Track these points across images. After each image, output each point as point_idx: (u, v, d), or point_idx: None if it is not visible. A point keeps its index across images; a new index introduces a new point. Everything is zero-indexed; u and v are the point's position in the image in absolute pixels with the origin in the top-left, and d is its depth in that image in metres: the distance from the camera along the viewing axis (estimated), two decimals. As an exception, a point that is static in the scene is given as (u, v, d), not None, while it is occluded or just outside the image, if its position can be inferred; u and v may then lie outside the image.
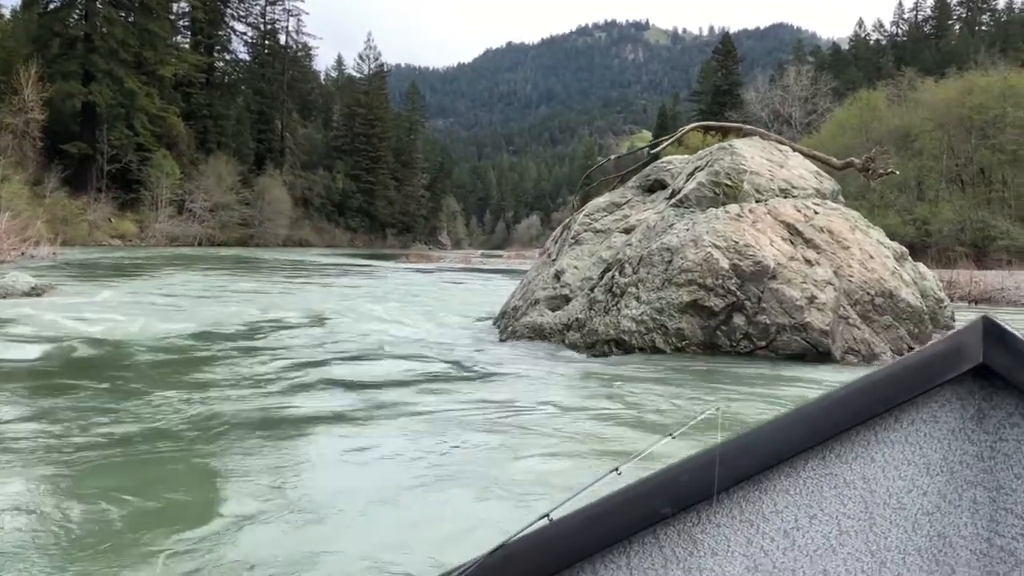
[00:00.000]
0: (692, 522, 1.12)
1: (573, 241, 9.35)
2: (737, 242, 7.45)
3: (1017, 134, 38.93)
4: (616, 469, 1.19)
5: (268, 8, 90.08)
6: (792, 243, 7.66)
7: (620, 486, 1.12)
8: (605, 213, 9.62)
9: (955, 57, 67.10)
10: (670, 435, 1.37)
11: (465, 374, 7.22)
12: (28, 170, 47.94)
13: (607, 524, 1.11)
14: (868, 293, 7.26)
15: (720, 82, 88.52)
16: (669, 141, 11.03)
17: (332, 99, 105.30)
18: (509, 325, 9.36)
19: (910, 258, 8.12)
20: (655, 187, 9.99)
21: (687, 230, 7.82)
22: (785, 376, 6.58)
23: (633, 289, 7.68)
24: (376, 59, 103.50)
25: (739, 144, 8.96)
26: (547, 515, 1.13)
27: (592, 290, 8.24)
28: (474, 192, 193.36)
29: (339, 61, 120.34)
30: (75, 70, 57.02)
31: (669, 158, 10.27)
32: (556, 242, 10.38)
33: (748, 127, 11.50)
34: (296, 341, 9.42)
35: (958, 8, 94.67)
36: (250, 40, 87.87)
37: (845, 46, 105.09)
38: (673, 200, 8.74)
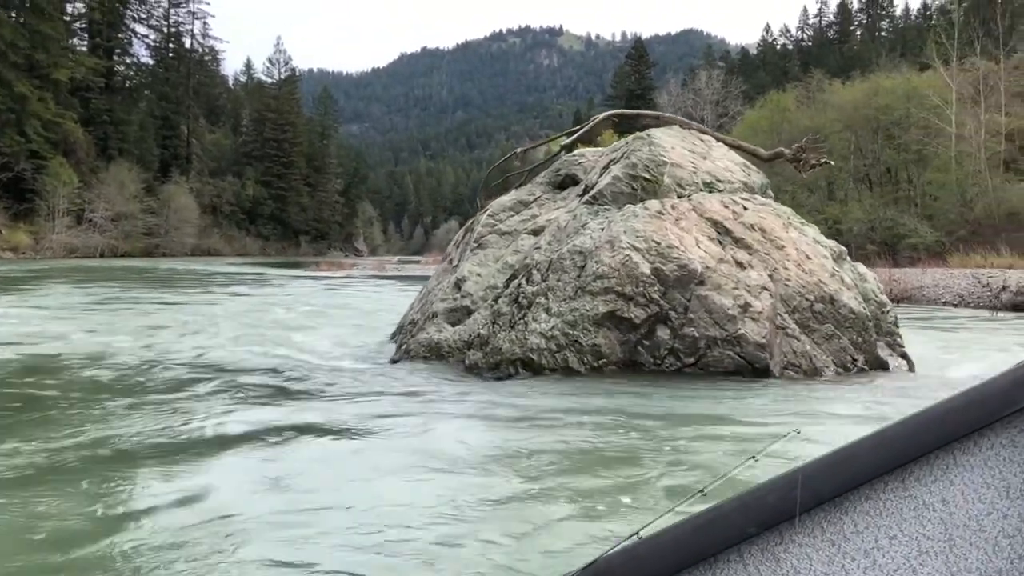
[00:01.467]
0: (775, 541, 1.14)
1: (476, 245, 8.36)
2: (659, 243, 6.62)
3: (921, 134, 40.10)
4: (702, 490, 1.27)
5: (172, 10, 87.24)
6: (721, 243, 6.86)
7: (705, 506, 1.17)
8: (511, 213, 8.70)
9: (858, 61, 69.56)
10: (752, 458, 1.44)
11: (332, 410, 5.88)
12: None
13: (694, 542, 1.15)
14: (807, 299, 6.47)
15: (633, 86, 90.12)
16: (580, 131, 10.14)
17: (241, 104, 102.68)
18: (404, 342, 8.33)
19: (848, 258, 7.45)
20: (566, 183, 9.06)
21: (602, 230, 6.96)
22: (718, 399, 5.71)
23: (542, 299, 6.72)
24: (287, 63, 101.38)
25: (658, 134, 8.17)
26: (637, 533, 1.18)
27: (496, 301, 7.22)
28: (391, 198, 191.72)
29: (248, 65, 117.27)
30: (-41, 74, 53.70)
31: (581, 151, 9.31)
32: (458, 246, 9.40)
33: (667, 115, 10.69)
34: (135, 362, 8.25)
35: (859, 14, 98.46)
36: (153, 43, 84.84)
37: (753, 51, 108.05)
38: (586, 197, 7.84)
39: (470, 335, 7.25)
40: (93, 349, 9.27)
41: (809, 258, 6.67)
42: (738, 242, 6.83)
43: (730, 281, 6.31)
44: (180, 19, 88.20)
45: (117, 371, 7.81)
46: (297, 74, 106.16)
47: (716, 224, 7.00)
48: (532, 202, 8.65)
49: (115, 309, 15.28)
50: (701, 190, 7.56)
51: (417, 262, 70.34)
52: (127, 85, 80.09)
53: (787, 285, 6.29)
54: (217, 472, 4.41)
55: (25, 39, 57.39)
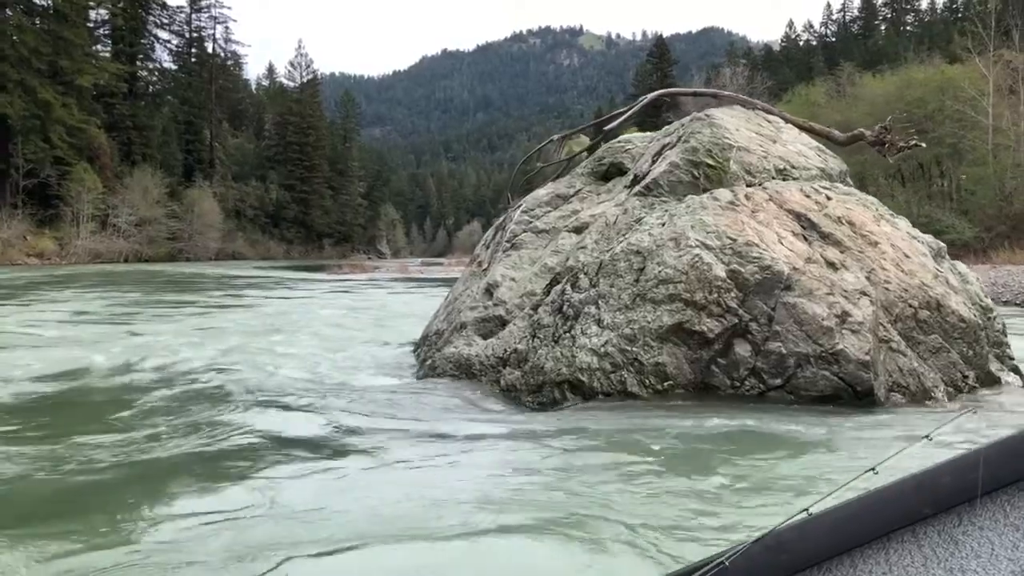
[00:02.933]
0: (953, 523, 1.11)
1: (509, 245, 7.33)
2: (735, 240, 5.53)
3: (955, 127, 38.91)
4: (873, 468, 1.21)
5: (194, 15, 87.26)
6: (806, 239, 5.78)
7: (877, 485, 1.13)
8: (549, 208, 7.65)
9: (883, 56, 68.36)
10: (927, 436, 1.37)
11: (341, 442, 4.96)
12: (-68, 187, 44.83)
13: (866, 520, 1.13)
14: (910, 305, 5.38)
15: (655, 84, 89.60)
16: (629, 113, 9.03)
17: (263, 108, 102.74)
18: (428, 357, 7.34)
19: (947, 255, 6.45)
20: (611, 173, 7.96)
21: (662, 226, 5.91)
22: (829, 431, 4.51)
23: (592, 309, 5.70)
24: (308, 67, 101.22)
25: (719, 114, 7.14)
26: (807, 509, 1.15)
27: (536, 310, 6.23)
28: (413, 200, 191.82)
29: (270, 69, 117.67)
30: (-16, 80, 53.79)
31: (627, 136, 8.21)
32: (488, 247, 8.32)
33: (727, 93, 9.61)
34: (160, 379, 7.41)
35: (884, 9, 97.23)
36: (175, 48, 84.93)
37: (776, 48, 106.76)
38: (637, 188, 6.75)
39: (505, 350, 6.24)
40: (81, 365, 8.64)
41: (907, 256, 5.63)
42: (826, 238, 5.79)
43: (822, 285, 5.26)
44: (202, 24, 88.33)
45: (118, 389, 7.16)
46: (319, 78, 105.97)
47: (799, 217, 5.96)
48: (572, 195, 7.63)
49: (119, 318, 14.73)
50: (773, 178, 6.54)
51: (440, 264, 69.74)
52: (150, 90, 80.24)
53: (887, 289, 5.21)
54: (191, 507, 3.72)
55: (49, 45, 57.44)
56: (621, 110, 9.26)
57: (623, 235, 5.98)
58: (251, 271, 43.53)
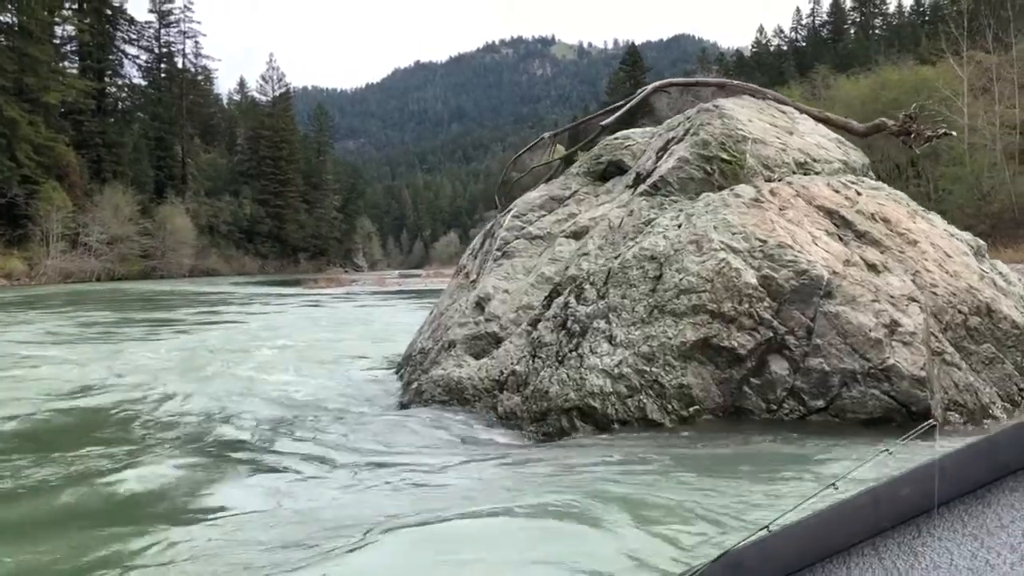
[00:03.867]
0: (912, 535, 1.12)
1: (500, 254, 6.67)
2: (765, 241, 4.89)
3: (931, 127, 38.92)
4: (833, 484, 1.21)
5: (162, 31, 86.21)
6: (841, 239, 5.13)
7: (837, 500, 1.14)
8: (542, 212, 6.98)
9: (853, 59, 68.88)
10: (886, 450, 1.37)
11: (317, 479, 4.31)
12: None
13: (826, 536, 1.13)
14: (960, 311, 4.73)
15: (629, 92, 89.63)
16: (628, 106, 8.39)
17: (236, 123, 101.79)
18: (413, 379, 6.62)
19: (986, 253, 5.86)
20: (610, 172, 7.28)
21: (679, 227, 5.29)
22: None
23: (601, 323, 5.03)
24: (280, 80, 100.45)
25: (729, 104, 6.59)
26: (767, 527, 1.14)
27: (535, 326, 5.58)
28: (389, 212, 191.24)
29: (241, 84, 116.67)
30: (-54, 99, 52.63)
31: (626, 132, 7.56)
32: (475, 256, 7.70)
33: (735, 83, 8.94)
34: (117, 401, 6.87)
35: (852, 13, 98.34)
36: (145, 64, 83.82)
37: (747, 53, 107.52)
38: (642, 187, 6.14)
39: (502, 372, 5.54)
40: (47, 391, 7.99)
41: (949, 256, 5.11)
42: (862, 237, 5.14)
43: (866, 291, 4.61)
44: (171, 39, 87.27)
45: (80, 417, 6.53)
46: (291, 91, 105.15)
47: (830, 214, 5.32)
48: (568, 198, 6.92)
49: (89, 339, 14.02)
50: (794, 172, 5.93)
51: (418, 275, 68.96)
52: (119, 107, 79.08)
53: (934, 294, 4.65)
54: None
55: (14, 62, 56.37)
56: (619, 103, 8.68)
57: (631, 239, 5.35)
58: (226, 287, 42.64)
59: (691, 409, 4.70)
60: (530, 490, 3.68)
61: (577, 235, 6.14)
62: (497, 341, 5.77)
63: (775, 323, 4.73)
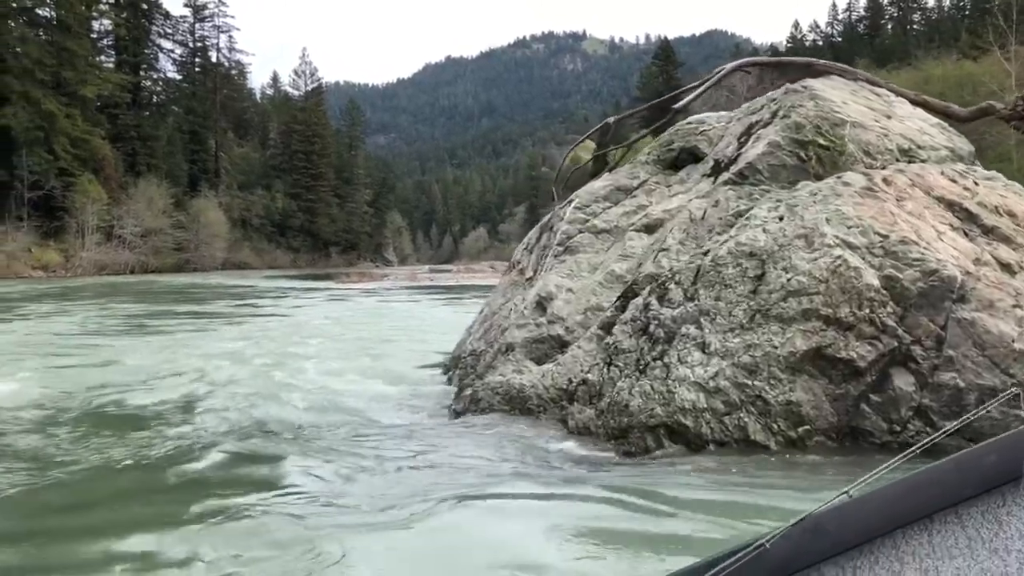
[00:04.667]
0: (997, 504, 1.10)
1: (562, 249, 6.19)
2: (886, 236, 4.31)
3: (977, 123, 37.97)
4: (914, 449, 1.19)
5: (197, 25, 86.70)
6: (967, 234, 4.58)
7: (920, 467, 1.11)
8: (608, 203, 6.46)
9: (891, 54, 67.49)
10: (967, 418, 1.36)
11: (373, 503, 3.82)
12: (-64, 201, 44.25)
13: (908, 502, 1.12)
14: None
15: (661, 87, 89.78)
16: (703, 90, 7.79)
17: (268, 117, 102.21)
18: (467, 385, 6.18)
19: None
20: (682, 160, 6.68)
21: (780, 220, 4.69)
22: None
23: (691, 329, 4.49)
24: (312, 75, 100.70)
25: (819, 85, 6.05)
26: (847, 491, 1.14)
27: (607, 329, 5.04)
28: (419, 207, 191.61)
29: (275, 78, 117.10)
30: (-13, 93, 53.25)
31: (700, 116, 6.95)
32: (531, 251, 7.17)
33: (823, 62, 8.34)
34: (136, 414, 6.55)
35: (890, 8, 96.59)
36: (179, 58, 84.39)
37: (782, 49, 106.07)
38: (726, 175, 5.63)
39: (570, 380, 5.04)
40: (93, 384, 7.80)
41: None
42: (990, 232, 4.58)
43: (1005, 294, 4.06)
44: (206, 33, 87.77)
45: (128, 415, 6.31)
46: (323, 86, 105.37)
47: (951, 206, 4.75)
48: (636, 188, 6.45)
49: (134, 331, 13.92)
50: (897, 159, 5.37)
51: (449, 271, 68.88)
52: (154, 101, 79.76)
53: None
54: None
55: (52, 57, 56.93)
56: (693, 84, 8.17)
57: (717, 233, 4.92)
58: (259, 281, 42.70)
59: (800, 429, 4.14)
60: (625, 521, 3.30)
61: (650, 229, 5.73)
62: (562, 345, 5.40)
63: (900, 331, 4.16)
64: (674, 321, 4.50)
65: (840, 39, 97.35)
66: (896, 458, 1.17)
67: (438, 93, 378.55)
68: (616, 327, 4.87)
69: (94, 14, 67.63)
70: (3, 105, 53.17)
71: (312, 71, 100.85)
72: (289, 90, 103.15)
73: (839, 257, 4.26)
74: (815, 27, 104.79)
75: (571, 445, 4.68)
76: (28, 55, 54.86)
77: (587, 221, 6.26)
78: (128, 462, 4.85)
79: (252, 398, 7.06)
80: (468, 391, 5.93)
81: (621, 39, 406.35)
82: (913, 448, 1.20)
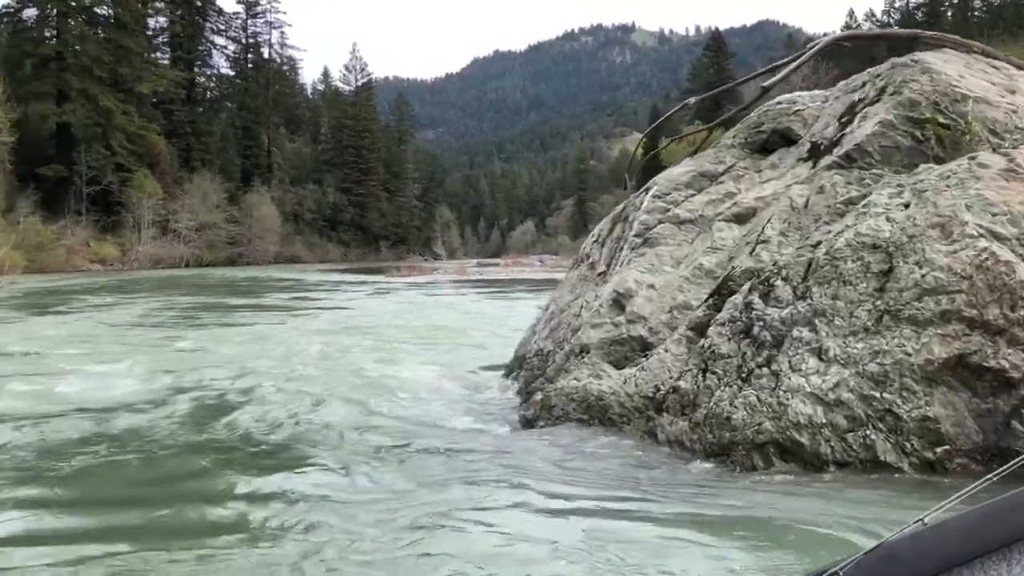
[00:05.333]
0: None
1: (640, 241, 5.61)
2: None
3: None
4: (991, 477, 1.15)
5: (249, 21, 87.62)
6: None
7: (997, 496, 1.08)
8: (691, 191, 5.81)
9: (953, 43, 65.13)
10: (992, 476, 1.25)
11: (451, 525, 3.36)
12: (-1, 195, 45.27)
13: (985, 531, 1.07)
14: None
15: (712, 78, 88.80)
16: (797, 64, 6.96)
17: (319, 112, 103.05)
18: (537, 389, 5.66)
19: None
20: (773, 143, 6.01)
21: (905, 207, 4.07)
22: None
23: (804, 332, 3.92)
24: (363, 70, 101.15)
25: (929, 58, 5.37)
26: (922, 519, 1.12)
27: (700, 331, 4.50)
28: (467, 201, 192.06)
29: (325, 74, 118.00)
30: (48, 90, 54.41)
31: (791, 95, 6.20)
32: (602, 243, 6.59)
33: (932, 33, 7.55)
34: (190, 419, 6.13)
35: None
36: (232, 54, 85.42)
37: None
38: (829, 158, 4.98)
39: (657, 388, 4.49)
40: (158, 385, 7.58)
41: None
42: None
43: None
44: (258, 29, 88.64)
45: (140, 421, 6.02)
46: (373, 81, 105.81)
47: None
48: (722, 173, 5.82)
49: (196, 324, 13.80)
50: None
51: (497, 264, 68.68)
52: (208, 97, 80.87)
53: None
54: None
55: (110, 54, 57.93)
56: (786, 59, 7.49)
57: (825, 222, 4.31)
58: (312, 275, 42.84)
59: (938, 450, 3.56)
60: (746, 551, 2.84)
61: (741, 218, 5.19)
62: (644, 348, 4.91)
63: (1060, 336, 3.47)
64: (783, 323, 3.95)
65: (897, 26, 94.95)
66: (977, 483, 1.12)
67: (486, 87, 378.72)
68: (711, 329, 4.33)
69: (150, 12, 68.72)
70: (63, 102, 54.29)
71: (362, 66, 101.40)
72: (340, 85, 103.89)
73: (985, 249, 3.63)
74: (871, 15, 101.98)
75: (664, 462, 4.17)
76: (87, 53, 55.90)
77: (668, 210, 5.70)
78: (203, 441, 5.05)
79: (313, 395, 6.76)
80: (538, 396, 5.45)
81: (671, 31, 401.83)
82: (996, 472, 1.14)
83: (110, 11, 61.19)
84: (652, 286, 5.17)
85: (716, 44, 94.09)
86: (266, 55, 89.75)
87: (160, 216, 59.43)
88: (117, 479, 4.45)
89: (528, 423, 5.33)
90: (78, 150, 55.15)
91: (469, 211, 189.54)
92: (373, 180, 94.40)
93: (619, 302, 5.25)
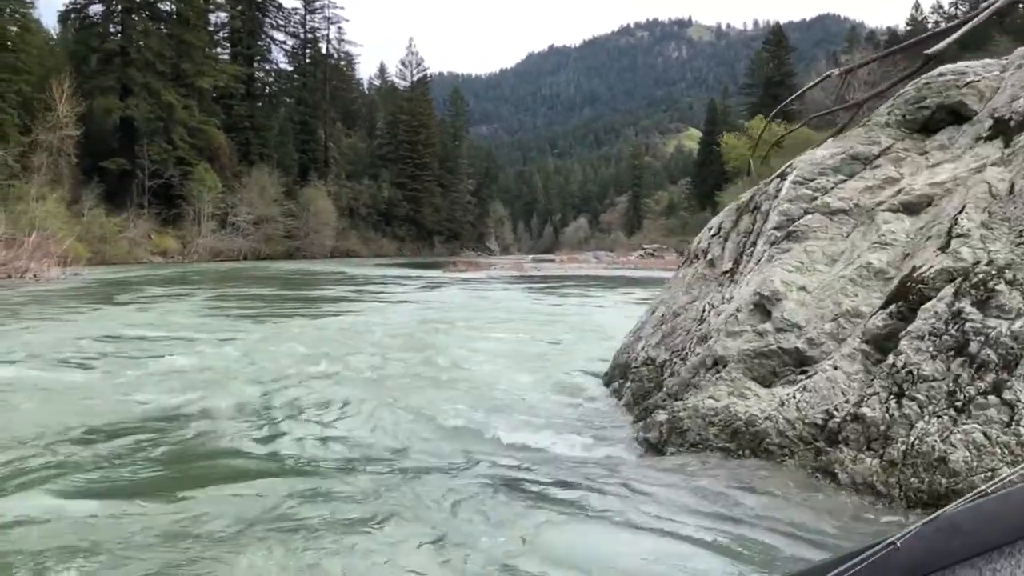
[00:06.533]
0: None
1: (782, 235, 4.79)
2: None
3: None
4: None
5: (308, 17, 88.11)
6: None
7: None
8: (840, 176, 4.90)
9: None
10: None
11: None
12: (64, 188, 45.90)
13: None
14: None
15: (772, 73, 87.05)
16: (967, 26, 5.99)
17: (375, 107, 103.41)
18: (657, 406, 4.85)
19: None
20: (939, 120, 5.04)
21: None
22: None
23: None
24: (419, 65, 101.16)
25: None
26: (984, 491, 1.10)
27: (880, 345, 3.69)
28: (520, 197, 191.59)
29: (382, 69, 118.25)
30: (112, 85, 55.22)
31: (956, 66, 5.35)
32: (724, 238, 5.76)
33: None
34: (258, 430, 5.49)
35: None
36: (290, 50, 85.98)
37: (901, 32, 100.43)
38: None
39: (829, 414, 3.65)
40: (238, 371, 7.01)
41: None
42: None
43: None
44: (316, 25, 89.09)
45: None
46: (428, 77, 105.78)
47: None
48: (877, 156, 4.93)
49: (274, 316, 13.34)
50: None
51: (552, 260, 67.84)
52: (267, 91, 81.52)
53: None
54: None
55: (172, 49, 58.60)
56: (951, 25, 6.55)
57: None
58: (371, 269, 42.56)
59: None
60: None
61: (911, 208, 4.31)
62: (799, 362, 4.09)
63: None
64: (1015, 339, 3.12)
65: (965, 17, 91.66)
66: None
67: (540, 83, 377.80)
68: (903, 343, 3.45)
69: (211, 7, 69.37)
70: (126, 96, 55.04)
71: (418, 62, 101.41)
72: (396, 81, 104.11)
73: None
74: (938, 7, 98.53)
75: (850, 510, 3.30)
76: (150, 48, 56.61)
77: (815, 199, 4.83)
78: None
79: (406, 407, 6.10)
80: (661, 416, 4.65)
81: (728, 25, 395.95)
82: None
83: (173, 7, 61.89)
84: (803, 288, 4.35)
85: (776, 38, 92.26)
86: (324, 50, 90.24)
87: (219, 209, 60.01)
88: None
89: (654, 448, 4.53)
90: (140, 144, 55.92)
91: (522, 207, 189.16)
92: (428, 175, 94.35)
93: (763, 306, 4.43)
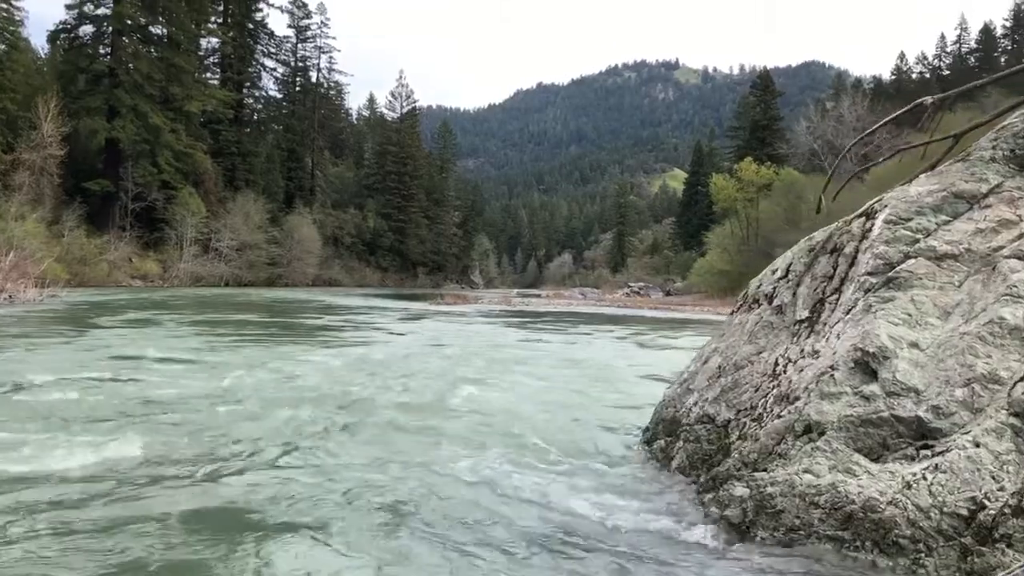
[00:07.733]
0: None
1: (879, 282, 4.17)
2: None
3: None
4: None
5: (299, 45, 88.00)
6: None
7: None
8: (944, 216, 4.30)
9: (1009, 88, 63.13)
10: None
11: None
12: (45, 208, 44.93)
13: None
14: None
15: (759, 116, 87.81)
16: None
17: (364, 137, 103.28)
18: (727, 475, 4.18)
19: None
20: None
21: None
22: None
23: None
24: (408, 97, 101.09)
25: None
26: None
27: None
28: (505, 231, 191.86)
29: (371, 100, 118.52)
30: (99, 106, 54.45)
31: None
32: (797, 282, 5.06)
33: None
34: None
35: (1003, 40, 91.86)
36: (281, 77, 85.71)
37: (886, 81, 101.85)
38: None
39: (977, 503, 3.00)
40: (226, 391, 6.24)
41: None
42: None
43: None
44: (307, 54, 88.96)
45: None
46: (418, 109, 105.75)
47: None
48: (985, 195, 4.31)
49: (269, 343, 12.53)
50: None
51: (538, 296, 67.31)
52: (255, 118, 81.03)
53: None
54: None
55: (161, 72, 57.99)
56: None
57: None
58: (356, 300, 41.66)
59: None
60: None
61: None
62: (920, 435, 3.43)
63: None
64: None
65: (947, 72, 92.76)
66: None
67: (528, 119, 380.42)
68: None
69: (203, 32, 68.98)
70: (113, 118, 54.26)
71: (408, 94, 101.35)
72: (385, 112, 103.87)
73: None
74: (922, 59, 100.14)
75: None
76: (139, 70, 56.01)
77: (915, 241, 4.21)
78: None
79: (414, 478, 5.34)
80: (740, 490, 3.92)
81: (715, 69, 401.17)
82: None
83: (164, 30, 61.42)
84: (916, 344, 3.69)
85: (764, 83, 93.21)
86: (314, 79, 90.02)
87: (202, 234, 59.16)
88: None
89: (737, 530, 3.80)
90: (125, 166, 55.06)
91: (507, 241, 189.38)
92: (414, 207, 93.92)
93: (866, 364, 3.76)
